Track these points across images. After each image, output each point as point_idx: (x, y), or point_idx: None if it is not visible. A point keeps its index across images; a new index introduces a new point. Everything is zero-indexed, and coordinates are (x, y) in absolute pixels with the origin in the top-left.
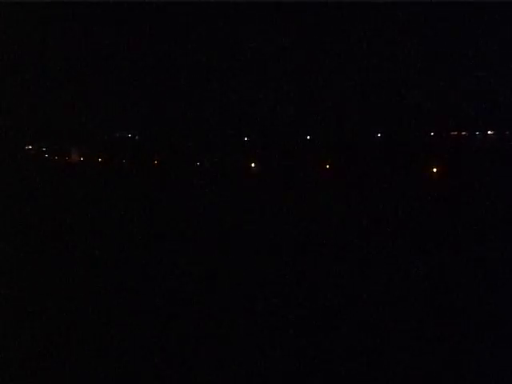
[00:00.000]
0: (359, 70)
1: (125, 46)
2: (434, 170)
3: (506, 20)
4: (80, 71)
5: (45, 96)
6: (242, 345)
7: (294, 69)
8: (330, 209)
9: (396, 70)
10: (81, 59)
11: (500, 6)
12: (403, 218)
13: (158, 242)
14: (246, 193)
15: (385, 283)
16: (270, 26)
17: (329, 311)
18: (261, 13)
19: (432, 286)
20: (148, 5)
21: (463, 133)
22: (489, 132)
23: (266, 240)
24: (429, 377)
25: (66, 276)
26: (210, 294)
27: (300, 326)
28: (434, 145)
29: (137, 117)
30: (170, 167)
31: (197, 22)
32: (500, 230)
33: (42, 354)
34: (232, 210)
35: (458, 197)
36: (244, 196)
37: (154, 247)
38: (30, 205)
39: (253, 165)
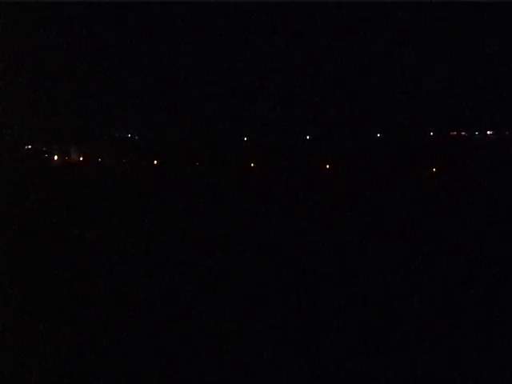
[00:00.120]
0: (359, 70)
1: (125, 46)
2: (434, 169)
3: (506, 20)
4: (80, 71)
5: (45, 96)
6: (242, 345)
7: (293, 69)
8: (330, 209)
9: (396, 70)
10: (81, 59)
11: (500, 5)
12: (403, 218)
13: (157, 242)
14: (245, 193)
15: (385, 283)
16: (270, 26)
17: (329, 311)
18: (261, 13)
19: (432, 285)
20: (148, 5)
21: (463, 133)
22: (488, 132)
23: (266, 240)
24: (429, 377)
25: (65, 276)
26: (210, 293)
27: (300, 326)
28: (434, 145)
29: (136, 117)
30: (169, 167)
31: (197, 22)
32: (500, 230)
33: (42, 354)
34: (232, 209)
35: (458, 197)
36: (244, 196)
37: (153, 247)
38: (29, 204)
39: (252, 165)
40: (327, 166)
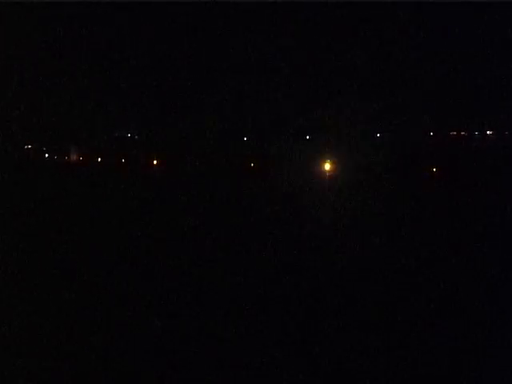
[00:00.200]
0: (359, 70)
1: (124, 46)
2: (434, 169)
3: (506, 20)
4: (80, 71)
5: (45, 96)
6: (242, 345)
7: (294, 69)
8: (330, 208)
9: (396, 70)
10: (81, 59)
11: (500, 5)
12: (402, 218)
13: (157, 242)
14: (245, 192)
15: (385, 283)
16: (270, 26)
17: (328, 311)
18: (261, 13)
19: (431, 285)
20: (148, 5)
21: (462, 133)
22: (488, 132)
23: (266, 240)
24: (429, 377)
25: (65, 275)
26: (210, 293)
27: (299, 326)
28: (434, 145)
29: (136, 117)
30: (169, 167)
31: (197, 22)
32: (500, 229)
33: (42, 353)
34: (232, 209)
35: (458, 196)
36: (244, 196)
37: (153, 247)
38: (29, 204)
39: (252, 165)
40: (327, 166)
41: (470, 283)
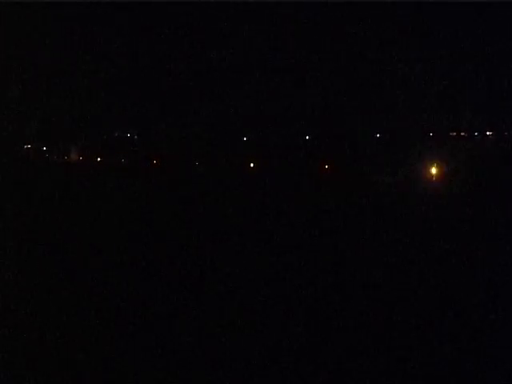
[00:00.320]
0: (359, 70)
1: (124, 46)
2: (434, 169)
3: (506, 20)
4: (79, 71)
5: (45, 96)
6: (242, 344)
7: (293, 69)
8: (330, 208)
9: (396, 70)
10: (80, 59)
11: (500, 5)
12: (402, 218)
13: (157, 241)
14: (245, 192)
15: (384, 283)
16: (270, 26)
17: (328, 311)
18: (261, 13)
19: (432, 286)
20: (148, 5)
21: (463, 133)
22: (488, 132)
23: (266, 240)
24: (429, 377)
25: (65, 275)
26: (210, 293)
27: (300, 326)
28: (434, 145)
29: (136, 117)
30: (169, 167)
31: (197, 22)
32: (500, 229)
33: (42, 353)
34: (232, 209)
35: (458, 196)
36: (244, 195)
37: (153, 246)
38: (29, 203)
39: (252, 165)
40: (326, 166)
41: (469, 283)
